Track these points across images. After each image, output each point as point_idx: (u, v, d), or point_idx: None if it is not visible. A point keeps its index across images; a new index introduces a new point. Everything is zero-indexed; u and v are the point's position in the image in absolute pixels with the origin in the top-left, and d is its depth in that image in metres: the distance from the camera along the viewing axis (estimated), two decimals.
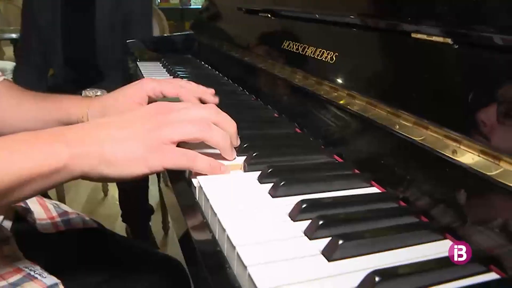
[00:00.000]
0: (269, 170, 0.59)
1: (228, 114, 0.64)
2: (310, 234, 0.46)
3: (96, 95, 1.07)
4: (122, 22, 2.03)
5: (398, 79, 0.65)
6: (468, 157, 0.49)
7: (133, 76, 1.50)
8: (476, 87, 0.50)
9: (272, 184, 0.57)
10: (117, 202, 2.25)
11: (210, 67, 1.49)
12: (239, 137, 0.68)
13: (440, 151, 0.52)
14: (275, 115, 0.94)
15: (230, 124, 0.64)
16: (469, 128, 0.49)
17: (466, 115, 0.50)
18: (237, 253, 0.41)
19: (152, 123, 0.58)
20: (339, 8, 0.83)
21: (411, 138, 0.57)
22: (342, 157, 0.70)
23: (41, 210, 0.88)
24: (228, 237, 0.44)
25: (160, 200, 2.37)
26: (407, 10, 0.64)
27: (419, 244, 0.47)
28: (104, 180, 0.59)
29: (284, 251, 0.43)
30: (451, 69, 0.58)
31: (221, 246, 0.46)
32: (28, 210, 0.85)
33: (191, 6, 7.36)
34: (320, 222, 0.46)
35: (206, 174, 0.59)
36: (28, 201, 0.86)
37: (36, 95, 0.94)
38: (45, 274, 0.72)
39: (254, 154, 0.63)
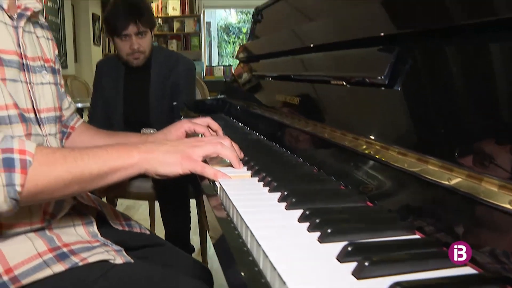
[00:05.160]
0: (350, 249, 0.43)
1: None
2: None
3: (150, 132, 1.33)
4: (171, 90, 2.12)
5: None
6: None
7: None
8: None
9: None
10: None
11: (237, 121, 1.53)
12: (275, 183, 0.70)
13: None
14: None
15: (235, 145, 0.86)
16: None
17: None
18: None
19: (187, 145, 0.83)
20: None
21: None
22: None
23: (113, 215, 1.08)
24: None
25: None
26: None
27: None
28: (157, 175, 0.81)
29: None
30: None
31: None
32: (104, 213, 1.05)
33: None
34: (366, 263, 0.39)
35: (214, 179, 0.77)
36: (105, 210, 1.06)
37: (107, 132, 1.21)
38: (114, 245, 0.93)
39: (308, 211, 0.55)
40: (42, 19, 1.01)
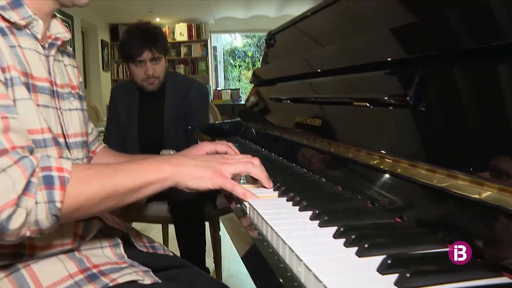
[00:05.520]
0: (389, 261, 0.45)
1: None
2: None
3: (170, 154, 1.41)
4: (185, 114, 2.15)
5: None
6: None
7: None
8: None
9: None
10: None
11: (252, 143, 1.55)
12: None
13: None
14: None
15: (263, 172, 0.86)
16: None
17: None
18: None
19: (218, 161, 0.84)
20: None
21: None
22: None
23: (137, 237, 1.10)
24: None
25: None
26: None
27: None
28: (187, 188, 0.83)
29: None
30: None
31: None
32: (129, 235, 1.06)
33: (241, 102, 7.69)
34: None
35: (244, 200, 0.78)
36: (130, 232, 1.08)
37: (128, 155, 1.23)
38: (141, 266, 0.95)
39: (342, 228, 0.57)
40: (69, 48, 1.06)
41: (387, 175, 0.70)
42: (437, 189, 0.57)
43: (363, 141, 0.80)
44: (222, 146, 1.08)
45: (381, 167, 0.70)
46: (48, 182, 0.71)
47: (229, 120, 1.98)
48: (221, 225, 2.26)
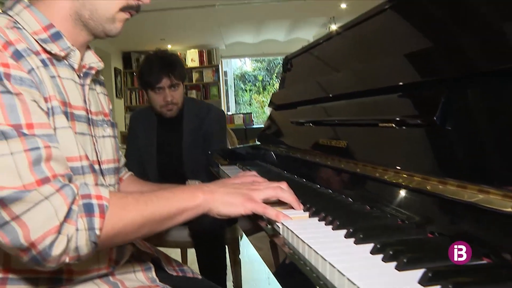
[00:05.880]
0: (430, 274, 0.47)
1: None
2: None
3: (195, 184, 1.39)
4: (203, 139, 2.19)
5: None
6: None
7: (219, 176, 1.62)
8: None
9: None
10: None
11: (273, 166, 1.57)
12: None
13: None
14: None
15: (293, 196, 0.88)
16: None
17: None
18: None
19: (248, 188, 0.88)
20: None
21: None
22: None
23: (167, 261, 1.13)
24: None
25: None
26: None
27: None
28: (219, 215, 0.86)
29: None
30: None
31: None
32: (159, 259, 1.10)
33: (253, 126, 7.75)
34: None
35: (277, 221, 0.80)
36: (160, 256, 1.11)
37: (154, 184, 1.28)
38: None
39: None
40: (101, 77, 1.10)
41: (416, 192, 0.72)
42: (468, 204, 0.59)
43: (390, 161, 0.82)
44: (247, 178, 1.07)
45: (410, 185, 0.73)
46: (88, 209, 0.74)
47: (248, 144, 2.01)
48: (241, 248, 2.27)
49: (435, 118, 0.69)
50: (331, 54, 1.43)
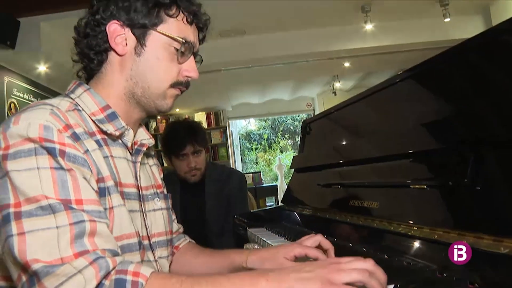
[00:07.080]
0: None
1: None
2: None
3: (253, 248, 1.40)
4: (226, 203, 2.27)
5: None
6: None
7: (248, 239, 1.69)
8: None
9: None
10: None
11: (297, 226, 1.61)
12: None
13: None
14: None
15: (383, 275, 0.73)
16: None
17: None
18: None
19: (328, 269, 0.71)
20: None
21: None
22: None
23: None
24: None
25: None
26: None
27: None
28: None
29: None
30: None
31: None
32: None
33: (263, 185, 7.80)
34: None
35: None
36: None
37: (210, 250, 1.19)
38: None
39: None
40: (151, 151, 1.15)
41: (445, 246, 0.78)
42: (505, 255, 0.67)
43: (426, 219, 0.91)
44: (312, 250, 0.97)
45: (447, 241, 0.81)
46: (119, 285, 0.71)
47: (272, 206, 2.06)
48: None
49: (466, 180, 0.79)
50: (347, 119, 1.55)
